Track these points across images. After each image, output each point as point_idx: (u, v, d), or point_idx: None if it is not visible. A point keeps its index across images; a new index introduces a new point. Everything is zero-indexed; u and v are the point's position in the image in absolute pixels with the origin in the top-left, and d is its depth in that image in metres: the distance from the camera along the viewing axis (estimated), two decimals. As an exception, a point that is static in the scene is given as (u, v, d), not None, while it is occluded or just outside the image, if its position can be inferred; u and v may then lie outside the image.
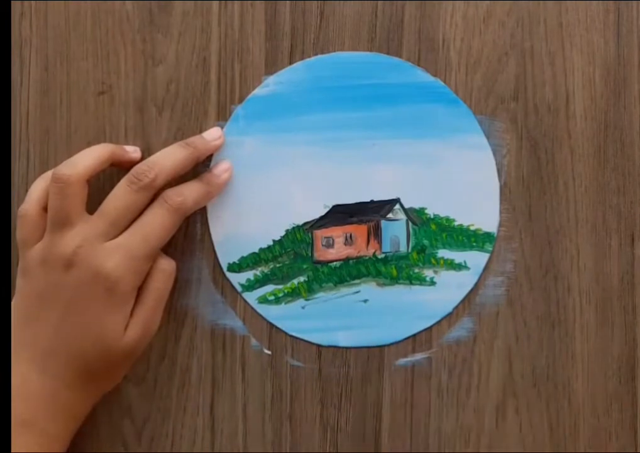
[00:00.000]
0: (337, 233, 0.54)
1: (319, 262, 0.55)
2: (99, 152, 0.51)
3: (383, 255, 0.54)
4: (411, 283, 0.54)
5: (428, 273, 0.54)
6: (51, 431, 0.49)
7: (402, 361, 0.54)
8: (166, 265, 0.52)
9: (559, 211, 0.54)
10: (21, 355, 0.49)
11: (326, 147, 0.54)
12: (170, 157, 0.51)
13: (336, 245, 0.54)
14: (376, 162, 0.54)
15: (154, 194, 0.51)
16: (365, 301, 0.54)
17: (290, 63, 0.54)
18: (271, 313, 0.55)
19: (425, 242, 0.54)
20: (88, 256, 0.49)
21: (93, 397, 0.51)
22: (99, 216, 0.50)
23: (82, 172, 0.50)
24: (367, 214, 0.54)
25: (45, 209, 0.51)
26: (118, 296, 0.49)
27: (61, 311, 0.49)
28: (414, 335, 0.54)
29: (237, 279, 0.55)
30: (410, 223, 0.54)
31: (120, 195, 0.50)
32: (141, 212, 0.51)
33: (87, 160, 0.51)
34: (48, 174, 0.52)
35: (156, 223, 0.50)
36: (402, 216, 0.54)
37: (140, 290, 0.51)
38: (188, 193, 0.51)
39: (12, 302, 0.51)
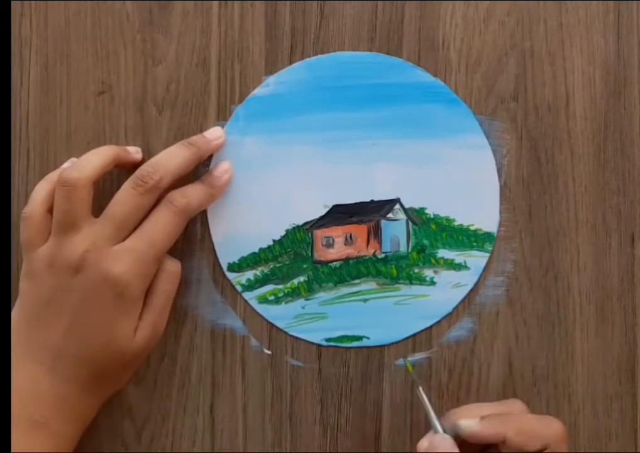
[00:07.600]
0: (337, 233, 0.54)
1: (319, 262, 0.55)
2: (104, 154, 0.51)
3: (383, 255, 0.54)
4: (411, 283, 0.54)
5: (428, 273, 0.54)
6: (62, 432, 0.49)
7: (402, 361, 0.54)
8: (172, 266, 0.52)
9: (559, 211, 0.54)
10: (31, 357, 0.49)
11: (326, 147, 0.54)
12: (174, 158, 0.51)
13: (336, 245, 0.54)
14: (376, 162, 0.54)
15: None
16: (365, 301, 0.54)
17: (290, 63, 0.54)
18: (271, 312, 0.55)
19: (425, 242, 0.54)
20: (97, 260, 0.49)
21: (101, 398, 0.52)
22: (105, 220, 0.50)
23: (90, 175, 0.50)
24: (367, 214, 0.54)
25: (49, 211, 0.51)
26: (127, 300, 0.49)
27: (70, 314, 0.49)
28: (414, 335, 0.54)
29: (237, 279, 0.55)
30: (410, 223, 0.54)
31: (126, 199, 0.50)
32: (146, 214, 0.50)
33: (93, 162, 0.50)
34: (52, 176, 0.52)
35: (163, 225, 0.50)
36: (402, 216, 0.54)
37: (147, 292, 0.51)
38: (193, 194, 0.51)
39: (16, 305, 0.51)
